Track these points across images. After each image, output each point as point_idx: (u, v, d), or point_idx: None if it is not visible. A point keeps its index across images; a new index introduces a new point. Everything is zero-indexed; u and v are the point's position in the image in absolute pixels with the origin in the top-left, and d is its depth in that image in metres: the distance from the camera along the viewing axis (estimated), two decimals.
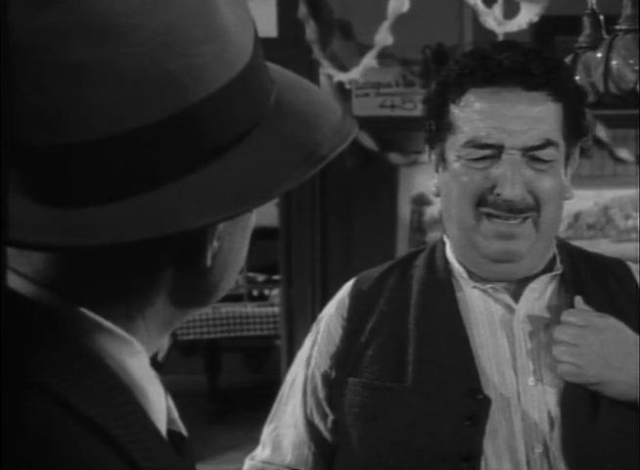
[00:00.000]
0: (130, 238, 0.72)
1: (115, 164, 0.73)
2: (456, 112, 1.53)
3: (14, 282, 0.78)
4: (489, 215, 1.52)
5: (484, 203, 1.51)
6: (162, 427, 0.81)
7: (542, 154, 1.50)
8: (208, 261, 0.79)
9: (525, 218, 1.52)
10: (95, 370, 0.75)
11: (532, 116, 1.49)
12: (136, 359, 0.79)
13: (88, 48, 0.71)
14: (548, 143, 1.50)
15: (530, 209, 1.51)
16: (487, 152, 1.50)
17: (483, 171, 1.51)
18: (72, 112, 0.72)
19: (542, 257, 1.60)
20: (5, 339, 0.72)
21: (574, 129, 1.55)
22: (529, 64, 1.50)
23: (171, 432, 0.83)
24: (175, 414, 0.85)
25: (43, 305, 0.77)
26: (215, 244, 0.79)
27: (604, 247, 4.34)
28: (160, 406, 0.81)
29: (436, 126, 1.56)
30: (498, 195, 1.50)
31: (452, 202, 1.55)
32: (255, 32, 0.81)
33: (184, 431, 0.85)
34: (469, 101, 1.51)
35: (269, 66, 0.83)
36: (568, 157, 1.56)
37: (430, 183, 1.62)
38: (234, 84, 0.76)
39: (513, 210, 1.50)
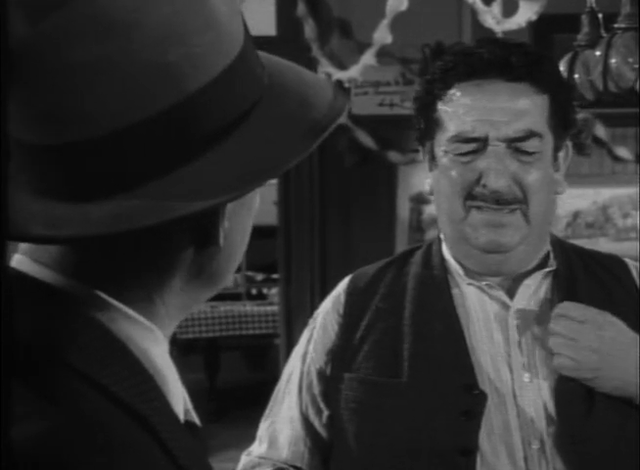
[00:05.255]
0: (145, 224, 0.75)
1: (125, 156, 0.76)
2: (442, 108, 1.55)
3: (37, 272, 0.80)
4: (478, 208, 1.53)
5: (473, 196, 1.53)
6: (180, 415, 0.84)
7: (526, 145, 1.51)
8: (222, 241, 0.82)
9: (514, 210, 1.52)
10: (122, 355, 0.78)
11: (515, 107, 1.51)
12: (157, 347, 0.82)
13: (92, 47, 0.74)
14: (531, 134, 1.51)
15: (518, 200, 1.52)
16: (473, 145, 1.52)
17: (470, 164, 1.52)
18: (80, 109, 0.75)
19: (535, 251, 1.60)
20: (35, 323, 0.76)
21: (562, 121, 1.56)
22: (509, 56, 1.52)
23: (186, 422, 0.86)
24: (190, 405, 0.87)
25: (69, 292, 0.79)
26: (226, 224, 0.82)
27: (603, 246, 4.34)
28: (178, 395, 0.84)
29: (425, 124, 1.58)
30: (484, 186, 1.51)
31: (442, 197, 1.57)
32: (244, 20, 0.84)
33: (198, 421, 0.88)
34: (454, 96, 1.54)
35: (259, 53, 0.86)
36: (557, 149, 1.57)
37: (425, 182, 1.64)
38: (230, 70, 0.79)
39: (500, 201, 1.51)
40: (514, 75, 1.51)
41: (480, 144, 1.51)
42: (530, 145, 1.51)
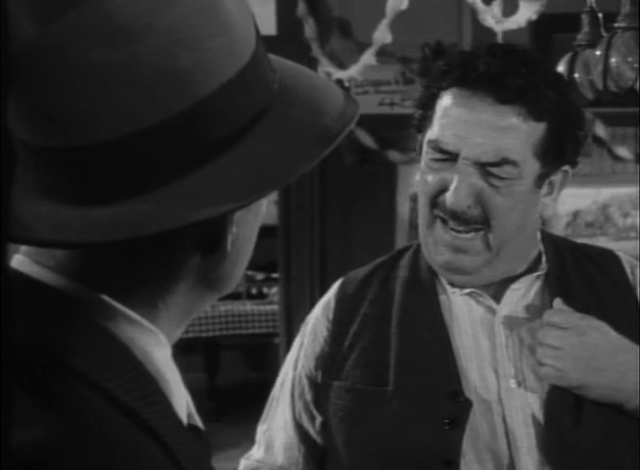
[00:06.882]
0: (153, 231, 0.75)
1: (132, 161, 0.75)
2: (437, 107, 1.51)
3: (40, 274, 0.80)
4: (442, 220, 1.50)
5: (436, 204, 1.51)
6: (183, 418, 0.84)
7: (497, 170, 1.46)
8: (229, 247, 0.82)
9: (477, 231, 1.49)
10: (125, 358, 0.78)
11: (495, 128, 1.45)
12: (160, 351, 0.82)
13: (103, 50, 0.73)
14: (505, 161, 1.46)
15: (478, 222, 1.49)
16: (445, 156, 1.49)
17: (440, 173, 1.49)
18: (90, 113, 0.74)
19: (508, 267, 1.56)
20: (37, 326, 0.75)
21: (556, 151, 1.50)
22: (505, 75, 1.45)
23: (189, 425, 0.86)
24: (193, 408, 0.87)
25: (72, 295, 0.79)
26: (234, 230, 0.82)
27: (602, 245, 4.34)
28: (181, 398, 0.83)
29: (421, 115, 1.55)
30: (444, 200, 1.49)
31: (420, 196, 1.55)
32: (255, 23, 0.83)
33: (201, 425, 0.88)
34: (446, 99, 1.50)
35: (270, 56, 0.85)
36: (545, 175, 1.52)
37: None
38: (241, 75, 0.78)
39: (458, 218, 1.48)
40: (503, 97, 1.45)
41: (452, 157, 1.48)
42: (502, 171, 1.46)
